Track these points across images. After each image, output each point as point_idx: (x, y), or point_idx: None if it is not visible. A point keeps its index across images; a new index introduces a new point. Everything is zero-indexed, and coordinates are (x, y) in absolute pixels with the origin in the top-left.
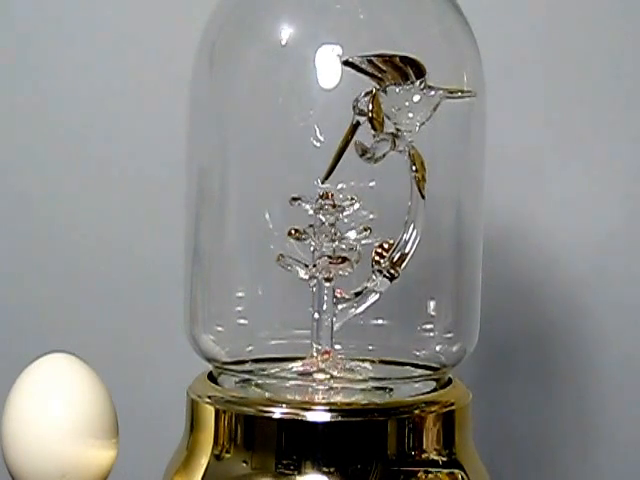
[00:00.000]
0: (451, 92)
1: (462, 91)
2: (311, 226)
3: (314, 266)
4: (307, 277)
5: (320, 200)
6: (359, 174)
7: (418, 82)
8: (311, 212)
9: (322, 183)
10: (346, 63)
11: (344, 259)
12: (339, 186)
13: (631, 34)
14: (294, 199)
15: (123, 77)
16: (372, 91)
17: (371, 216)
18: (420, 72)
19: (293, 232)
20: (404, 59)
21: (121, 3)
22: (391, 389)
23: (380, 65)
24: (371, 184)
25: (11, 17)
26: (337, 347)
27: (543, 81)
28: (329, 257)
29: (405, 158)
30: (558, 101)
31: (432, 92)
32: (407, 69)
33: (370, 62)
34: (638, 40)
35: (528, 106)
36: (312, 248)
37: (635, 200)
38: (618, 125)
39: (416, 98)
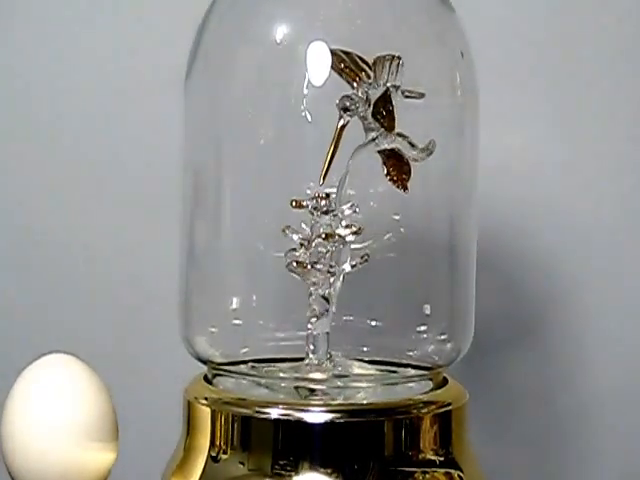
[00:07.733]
0: (410, 92)
1: (412, 91)
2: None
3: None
4: (322, 277)
5: (317, 201)
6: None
7: (397, 81)
8: (308, 212)
9: (321, 184)
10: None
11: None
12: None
13: (632, 34)
14: (293, 202)
15: (118, 76)
16: (386, 92)
17: (360, 216)
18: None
19: (324, 236)
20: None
21: (117, 2)
22: (398, 383)
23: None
24: (350, 191)
25: (10, 17)
26: (334, 352)
27: (542, 80)
28: (365, 255)
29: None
30: (557, 101)
31: (399, 92)
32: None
33: (357, 61)
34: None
35: (526, 106)
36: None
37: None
38: (620, 125)
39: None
